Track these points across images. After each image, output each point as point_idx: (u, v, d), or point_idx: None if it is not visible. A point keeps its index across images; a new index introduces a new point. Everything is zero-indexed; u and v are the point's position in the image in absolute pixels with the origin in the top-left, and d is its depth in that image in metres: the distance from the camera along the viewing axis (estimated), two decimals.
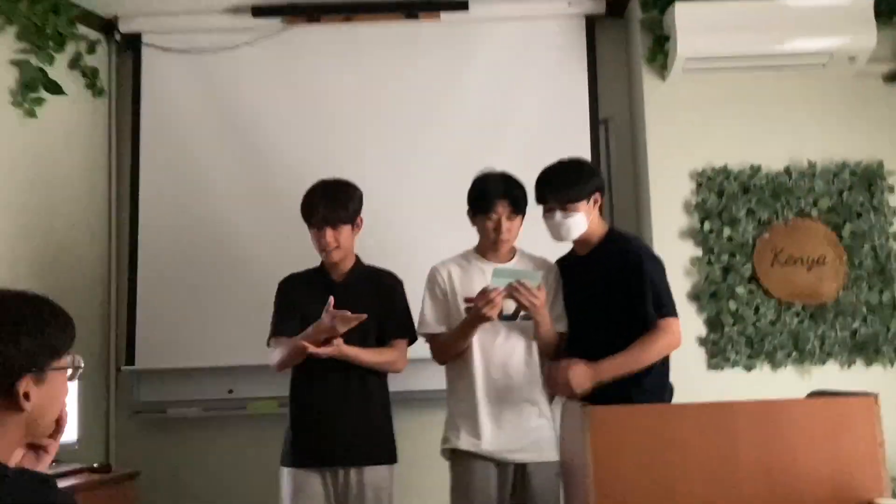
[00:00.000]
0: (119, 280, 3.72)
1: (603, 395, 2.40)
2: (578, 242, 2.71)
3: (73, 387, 3.09)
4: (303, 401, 2.73)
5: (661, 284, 2.61)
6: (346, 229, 2.73)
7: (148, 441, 3.61)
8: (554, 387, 2.56)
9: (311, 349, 2.56)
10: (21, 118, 3.32)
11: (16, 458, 1.30)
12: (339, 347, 2.59)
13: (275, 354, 2.74)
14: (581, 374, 2.45)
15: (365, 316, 2.55)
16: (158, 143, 3.74)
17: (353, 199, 2.76)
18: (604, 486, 1.90)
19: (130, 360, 3.60)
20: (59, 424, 1.33)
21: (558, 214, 2.61)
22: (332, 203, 2.71)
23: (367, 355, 2.68)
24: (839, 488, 1.90)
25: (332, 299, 2.56)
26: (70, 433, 3.13)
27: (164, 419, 3.61)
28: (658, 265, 2.66)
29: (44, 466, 1.36)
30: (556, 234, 2.66)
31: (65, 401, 1.33)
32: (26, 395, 1.23)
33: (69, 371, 1.31)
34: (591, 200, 2.65)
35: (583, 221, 2.63)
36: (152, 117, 3.76)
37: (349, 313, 2.52)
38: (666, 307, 2.57)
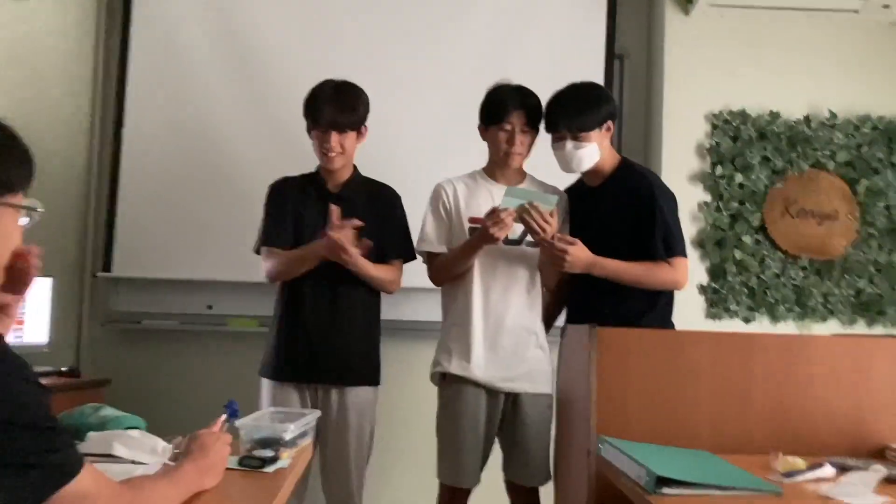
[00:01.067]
0: (100, 181, 3.56)
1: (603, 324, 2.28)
2: (589, 173, 2.57)
3: (45, 287, 3.00)
4: (290, 315, 2.59)
5: (673, 222, 2.48)
6: (351, 135, 2.58)
7: (121, 350, 3.49)
8: (549, 255, 2.42)
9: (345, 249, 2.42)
10: (7, 3, 3.10)
11: None
12: (357, 257, 2.46)
13: (267, 263, 2.59)
14: (579, 253, 2.35)
15: (359, 222, 2.40)
16: (149, 40, 3.56)
17: (361, 103, 2.60)
18: (605, 414, 1.79)
19: (107, 266, 3.45)
20: (16, 274, 1.15)
21: (569, 144, 2.46)
22: (341, 105, 2.54)
23: (370, 268, 2.54)
24: (856, 431, 1.80)
25: (335, 209, 2.41)
26: (41, 335, 3.02)
27: (139, 330, 3.49)
28: (671, 202, 2.53)
29: (5, 329, 1.21)
30: (567, 164, 2.52)
31: (17, 245, 1.15)
32: None
33: (22, 212, 1.14)
34: (604, 128, 2.50)
35: (595, 151, 2.49)
36: (144, 12, 3.56)
37: (357, 221, 2.38)
38: (676, 246, 2.45)
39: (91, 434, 1.65)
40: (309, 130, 2.60)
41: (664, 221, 2.42)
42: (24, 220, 1.14)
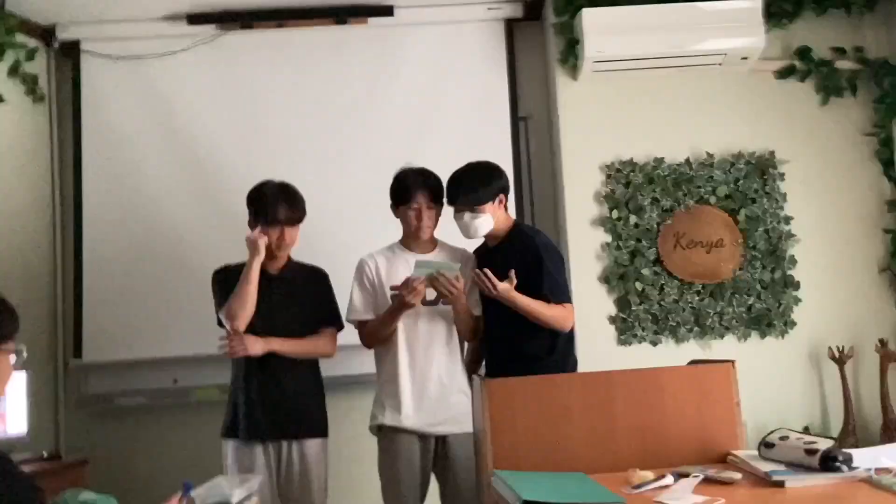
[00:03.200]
0: (65, 279, 3.89)
1: (511, 370, 2.67)
2: (488, 236, 2.96)
3: (21, 380, 3.32)
4: (247, 382, 2.93)
5: (558, 274, 2.88)
6: (297, 229, 2.97)
7: (96, 430, 3.80)
8: (480, 283, 2.74)
9: (246, 346, 2.81)
10: None
11: None
12: (269, 344, 2.86)
13: (224, 312, 2.91)
14: (502, 285, 2.69)
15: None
16: (99, 145, 3.91)
17: (302, 201, 2.99)
18: (500, 449, 2.16)
19: (78, 353, 3.77)
20: None
21: (467, 215, 2.87)
22: (291, 204, 2.94)
23: (296, 346, 2.93)
24: (702, 444, 2.19)
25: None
26: (20, 426, 3.31)
27: (111, 409, 3.80)
28: (556, 257, 2.93)
29: None
30: (465, 232, 2.92)
31: (6, 382, 1.53)
32: None
33: (12, 356, 1.52)
34: (497, 201, 2.90)
35: (489, 221, 2.88)
36: (92, 121, 3.92)
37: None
38: (561, 295, 2.85)
39: None
40: (253, 224, 2.95)
41: (549, 274, 2.82)
42: (13, 359, 1.52)
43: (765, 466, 1.97)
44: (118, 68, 3.93)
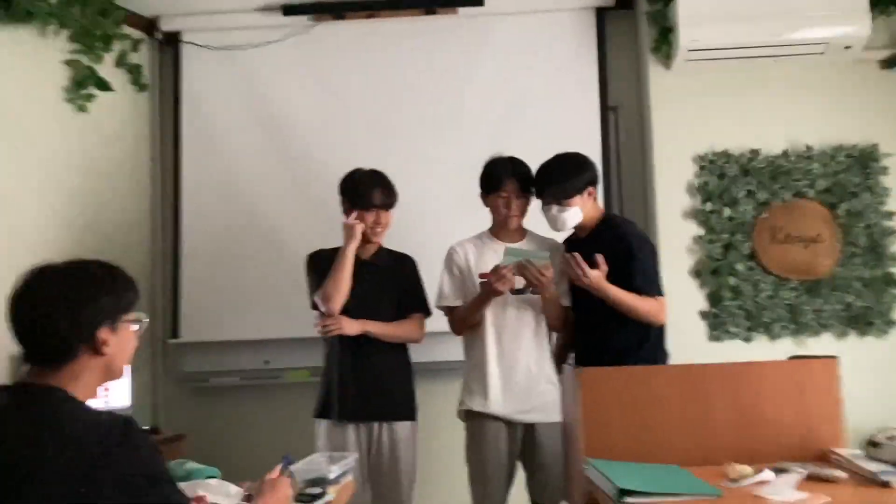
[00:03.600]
0: (164, 261, 4.05)
1: (602, 360, 2.65)
2: (578, 227, 2.94)
3: None
4: (340, 364, 3.01)
5: (649, 266, 2.84)
6: (391, 214, 3.03)
7: (192, 407, 3.96)
8: (571, 270, 2.73)
9: (342, 326, 2.89)
10: (73, 113, 3.64)
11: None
12: (363, 325, 2.94)
13: (320, 296, 2.98)
14: (594, 273, 2.68)
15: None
16: (198, 132, 4.05)
17: (395, 187, 3.07)
18: (592, 440, 2.16)
19: (175, 333, 3.93)
20: None
21: (555, 207, 2.85)
22: (386, 189, 3.02)
23: (388, 329, 3.00)
24: (802, 440, 2.14)
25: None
26: (123, 400, 3.48)
27: (206, 387, 3.95)
28: (647, 248, 2.89)
29: None
30: (553, 225, 2.90)
31: (130, 352, 1.62)
32: (105, 343, 1.52)
33: (137, 324, 1.61)
34: (586, 193, 2.88)
35: (577, 214, 2.86)
36: (192, 109, 4.07)
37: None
38: (652, 287, 2.80)
39: (180, 485, 2.09)
40: (348, 210, 3.03)
41: (641, 265, 2.78)
42: (135, 328, 1.60)
43: (871, 466, 1.91)
44: (216, 58, 4.06)
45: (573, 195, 2.83)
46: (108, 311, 1.54)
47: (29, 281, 1.53)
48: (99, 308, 1.52)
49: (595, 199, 2.93)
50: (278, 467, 1.96)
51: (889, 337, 3.57)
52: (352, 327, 2.93)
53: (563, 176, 2.85)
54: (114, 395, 3.42)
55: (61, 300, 1.50)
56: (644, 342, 2.83)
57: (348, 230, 2.94)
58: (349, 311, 2.95)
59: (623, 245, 2.79)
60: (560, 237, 3.05)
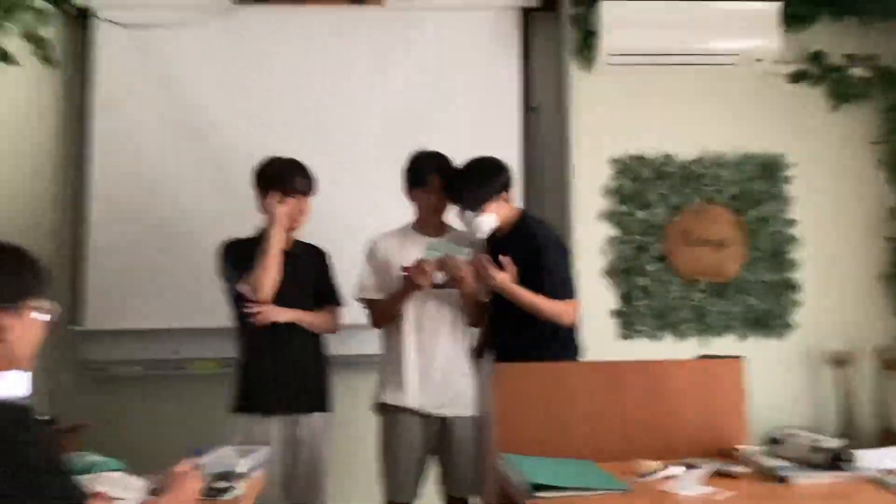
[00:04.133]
0: (68, 244, 3.87)
1: (514, 356, 2.66)
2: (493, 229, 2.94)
3: None
4: (259, 356, 2.94)
5: (560, 269, 2.85)
6: (309, 202, 2.97)
7: (94, 398, 3.79)
8: (478, 271, 2.75)
9: (272, 314, 2.84)
10: None
11: None
12: (293, 313, 2.90)
13: (248, 282, 2.89)
14: (500, 275, 2.70)
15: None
16: (108, 112, 3.86)
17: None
18: (505, 434, 2.18)
19: (78, 320, 3.76)
20: None
21: (468, 213, 2.85)
22: (307, 176, 2.96)
23: (311, 318, 2.97)
24: (709, 437, 2.22)
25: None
26: (20, 388, 3.31)
27: (109, 377, 3.79)
28: (559, 251, 2.90)
29: None
30: (470, 230, 2.89)
31: (35, 344, 1.53)
32: (4, 328, 1.44)
33: (43, 312, 1.52)
34: (500, 197, 2.87)
35: (491, 219, 2.86)
36: (103, 88, 3.88)
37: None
38: (561, 290, 2.81)
39: (80, 478, 2.00)
40: (264, 199, 2.95)
41: (549, 269, 2.79)
42: (44, 317, 1.51)
43: (772, 462, 1.99)
44: (130, 36, 3.89)
45: (486, 201, 2.83)
46: (9, 294, 1.45)
47: None
48: (1, 289, 1.44)
49: (509, 201, 2.93)
50: (187, 461, 1.89)
51: (788, 339, 3.74)
52: (282, 315, 2.88)
53: (476, 183, 2.84)
54: (10, 384, 3.26)
55: None
56: (553, 339, 2.86)
57: (271, 213, 2.84)
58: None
59: (534, 248, 2.81)
60: None
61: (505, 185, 2.89)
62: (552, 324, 2.83)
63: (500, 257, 2.72)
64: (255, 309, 2.86)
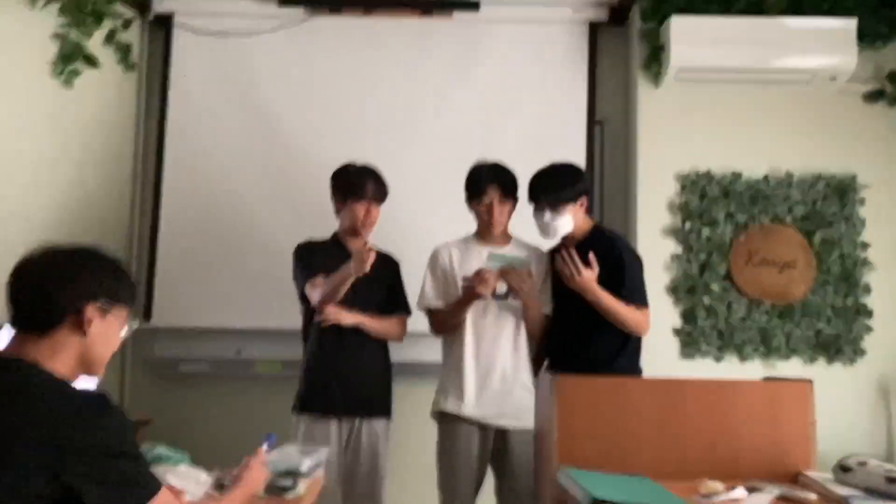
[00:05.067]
0: (140, 243, 4.00)
1: (580, 368, 2.66)
2: (566, 238, 2.95)
3: None
4: (323, 358, 3.00)
5: (637, 278, 2.88)
6: (379, 209, 3.04)
7: (160, 393, 3.90)
8: (565, 267, 2.77)
9: (338, 316, 2.90)
10: (58, 88, 3.58)
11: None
12: (358, 317, 2.95)
13: (316, 293, 2.97)
14: (587, 272, 2.72)
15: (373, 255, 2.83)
16: (183, 116, 4.00)
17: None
18: (566, 447, 2.17)
19: (147, 316, 3.87)
20: None
21: (547, 214, 2.86)
22: (379, 182, 3.04)
23: (377, 324, 3.02)
24: (774, 460, 2.17)
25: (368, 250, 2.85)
26: (89, 383, 3.43)
27: (175, 374, 3.90)
28: (636, 261, 2.93)
29: None
30: (545, 231, 2.91)
31: (112, 348, 1.59)
32: (90, 321, 1.50)
33: (125, 325, 1.59)
34: (578, 203, 2.90)
35: (569, 222, 2.88)
36: (179, 93, 4.02)
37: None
38: (639, 298, 2.84)
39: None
40: (340, 203, 3.07)
41: (629, 276, 2.82)
42: (125, 330, 1.58)
43: (841, 490, 1.95)
44: (208, 43, 4.02)
45: (566, 203, 2.85)
46: (102, 290, 1.53)
47: (34, 252, 1.53)
48: (95, 283, 1.52)
49: (586, 210, 2.95)
50: (262, 448, 1.94)
51: (857, 366, 3.63)
52: (349, 318, 2.94)
53: (558, 184, 2.88)
54: (81, 378, 3.38)
55: (60, 267, 1.52)
56: (620, 354, 2.86)
57: (360, 259, 2.81)
58: (341, 304, 2.95)
59: (613, 255, 2.82)
60: (547, 245, 3.06)
61: (584, 192, 2.93)
62: (617, 338, 2.83)
63: (590, 255, 2.73)
64: (323, 311, 2.90)
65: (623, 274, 2.81)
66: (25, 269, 1.52)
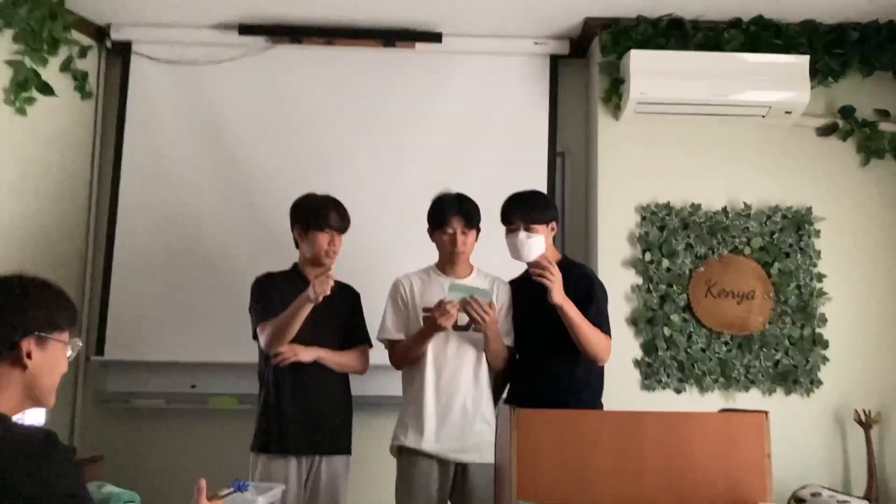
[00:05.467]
0: (94, 274, 3.92)
1: (543, 401, 2.63)
2: (532, 266, 2.93)
3: None
4: (281, 395, 2.93)
5: (605, 308, 2.90)
6: (342, 239, 3.00)
7: (112, 429, 3.80)
8: (541, 275, 2.74)
9: (297, 354, 2.85)
10: (12, 115, 3.52)
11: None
12: (317, 352, 2.90)
13: (264, 335, 2.90)
14: (558, 279, 2.72)
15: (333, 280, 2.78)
16: (141, 146, 3.95)
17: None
18: (525, 481, 2.14)
19: (100, 350, 3.78)
20: None
21: (522, 234, 2.85)
22: (342, 212, 3.01)
23: (338, 357, 2.98)
24: (730, 492, 2.17)
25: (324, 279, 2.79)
26: (38, 419, 3.32)
27: (128, 409, 3.81)
28: (603, 291, 2.94)
29: None
30: (517, 252, 2.88)
31: (59, 375, 1.54)
32: (28, 355, 1.45)
33: (69, 348, 1.53)
34: (549, 227, 2.92)
35: (541, 244, 2.88)
36: (137, 122, 3.97)
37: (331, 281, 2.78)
38: (605, 326, 2.86)
39: None
40: (301, 233, 3.00)
41: (597, 303, 2.83)
42: (70, 353, 1.53)
43: None
44: (167, 72, 3.99)
45: (540, 224, 2.87)
46: (36, 323, 1.48)
47: None
48: (27, 318, 1.47)
49: (554, 238, 2.96)
50: (227, 491, 1.87)
51: (814, 396, 3.65)
52: (307, 354, 2.89)
53: (533, 204, 2.91)
54: (29, 413, 3.26)
55: None
56: (588, 385, 2.86)
57: (319, 288, 2.75)
58: (301, 336, 2.88)
59: (582, 283, 2.85)
60: (506, 273, 3.05)
61: (554, 217, 2.97)
62: (584, 370, 2.83)
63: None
64: (280, 351, 2.85)
65: (592, 301, 2.82)
66: None
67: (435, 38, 4.00)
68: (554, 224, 2.96)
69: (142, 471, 3.61)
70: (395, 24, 3.97)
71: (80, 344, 1.60)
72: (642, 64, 3.65)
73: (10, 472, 1.31)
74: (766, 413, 2.23)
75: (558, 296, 2.72)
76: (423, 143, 3.97)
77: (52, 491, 1.34)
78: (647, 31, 3.78)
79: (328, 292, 2.76)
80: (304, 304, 2.78)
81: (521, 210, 2.88)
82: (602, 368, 2.93)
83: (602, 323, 2.84)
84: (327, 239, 2.96)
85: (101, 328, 3.80)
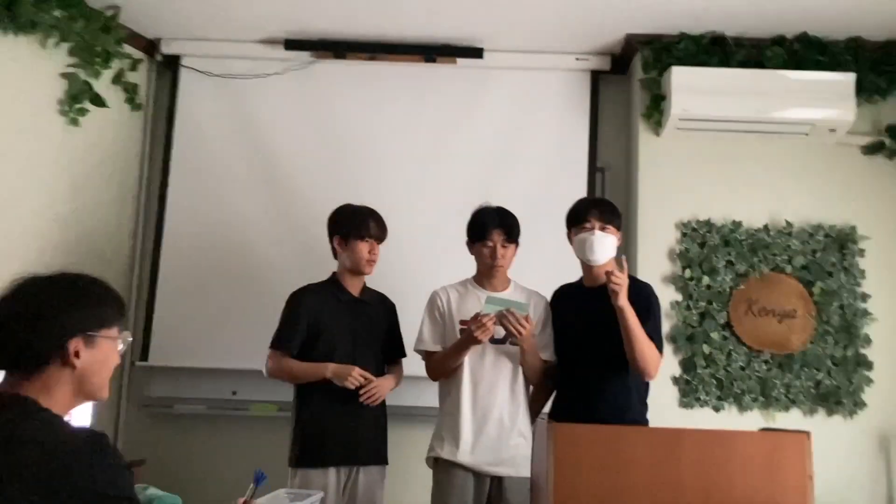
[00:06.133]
0: (140, 281, 4.01)
1: (589, 418, 2.63)
2: (590, 275, 2.93)
3: None
4: (317, 409, 2.97)
5: (659, 325, 2.90)
6: (379, 248, 3.06)
7: (154, 433, 3.87)
8: (614, 278, 2.72)
9: (382, 391, 2.97)
10: (66, 126, 3.63)
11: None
12: (391, 382, 3.03)
13: (270, 362, 3.01)
14: (626, 286, 2.70)
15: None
16: (188, 156, 4.05)
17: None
18: (561, 496, 2.14)
19: (145, 356, 3.86)
20: None
21: (598, 232, 2.85)
22: (381, 222, 3.07)
23: (396, 382, 3.09)
24: None
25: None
26: (83, 422, 3.41)
27: (170, 414, 3.88)
28: (660, 308, 2.94)
29: None
30: (591, 250, 2.84)
31: (110, 370, 1.58)
32: (76, 354, 1.49)
33: (119, 342, 1.58)
34: (619, 234, 2.93)
35: (613, 245, 2.88)
36: (184, 133, 4.07)
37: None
38: (658, 341, 2.84)
39: None
40: (340, 242, 3.07)
41: (655, 319, 2.82)
42: (121, 347, 1.57)
43: None
44: (214, 85, 4.08)
45: (615, 226, 2.89)
46: (83, 322, 1.51)
47: (11, 288, 1.52)
48: (73, 318, 1.50)
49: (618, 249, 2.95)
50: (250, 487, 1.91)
51: (857, 418, 3.59)
52: (387, 388, 2.99)
53: (611, 207, 2.94)
54: (74, 416, 3.35)
55: (35, 307, 1.49)
56: (640, 400, 2.86)
57: (351, 379, 2.89)
58: (338, 347, 2.96)
59: (642, 297, 2.83)
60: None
61: (621, 228, 2.96)
62: (635, 386, 2.82)
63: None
64: (367, 389, 2.90)
65: (650, 315, 2.81)
66: (2, 309, 1.50)
67: (476, 53, 4.04)
68: (620, 235, 2.95)
69: (183, 475, 3.67)
70: (436, 40, 4.02)
71: (131, 337, 1.63)
72: (684, 80, 3.65)
73: (61, 473, 1.34)
74: (809, 433, 2.20)
75: (623, 299, 2.71)
76: (463, 157, 4.00)
77: (104, 493, 1.37)
78: (689, 47, 3.77)
79: (349, 387, 2.87)
80: (314, 376, 2.94)
81: (598, 209, 2.90)
82: (647, 386, 2.92)
83: (656, 339, 2.82)
84: (367, 248, 3.01)
85: (146, 334, 3.89)
